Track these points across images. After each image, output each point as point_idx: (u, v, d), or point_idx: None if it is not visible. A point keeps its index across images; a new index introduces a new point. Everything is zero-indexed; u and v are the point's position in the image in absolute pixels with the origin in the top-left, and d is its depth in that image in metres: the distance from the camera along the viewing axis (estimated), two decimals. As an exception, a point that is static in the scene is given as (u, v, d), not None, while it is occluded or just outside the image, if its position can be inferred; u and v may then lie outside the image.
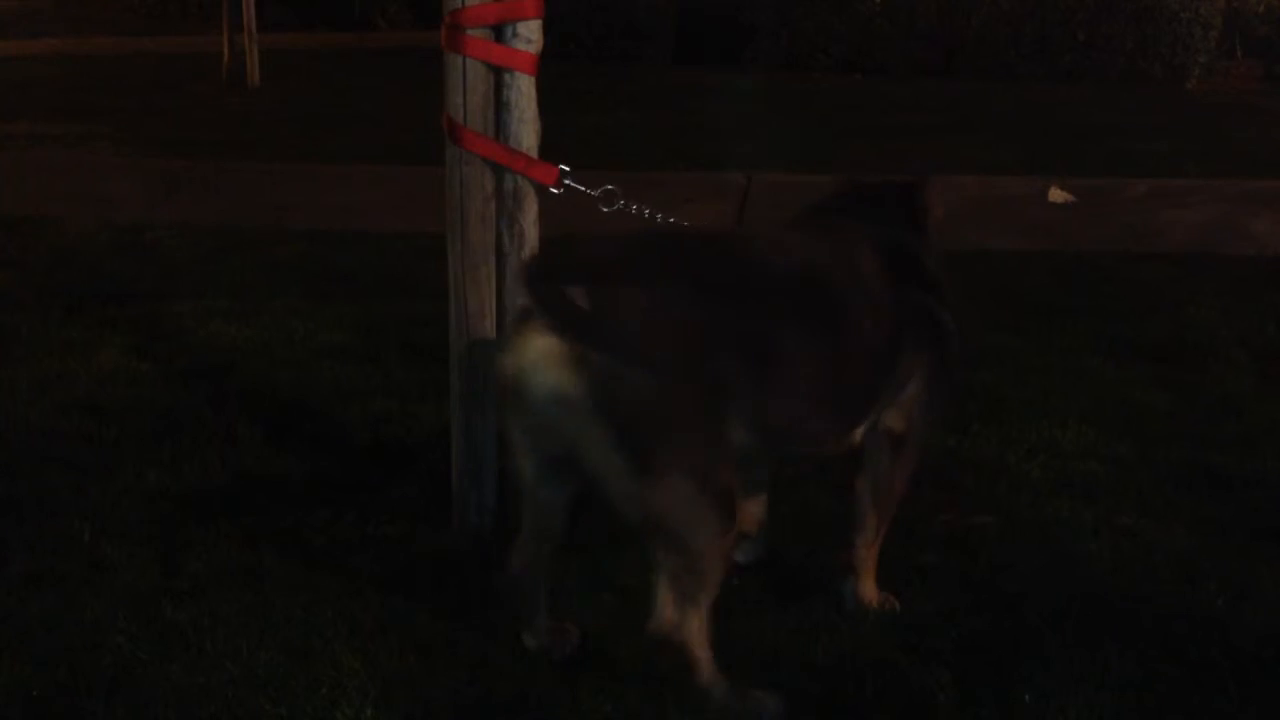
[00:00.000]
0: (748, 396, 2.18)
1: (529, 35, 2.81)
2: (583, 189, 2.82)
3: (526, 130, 2.85)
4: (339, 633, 2.53)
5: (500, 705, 2.31)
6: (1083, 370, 4.21)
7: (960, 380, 2.95)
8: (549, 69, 2.88)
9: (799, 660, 2.47)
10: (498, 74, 2.83)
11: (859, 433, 2.59)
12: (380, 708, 2.27)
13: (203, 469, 3.32)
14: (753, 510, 2.77)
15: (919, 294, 2.59)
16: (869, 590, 2.69)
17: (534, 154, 2.86)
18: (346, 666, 2.41)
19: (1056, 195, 6.91)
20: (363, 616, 2.58)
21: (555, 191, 2.82)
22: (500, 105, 2.85)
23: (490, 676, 2.41)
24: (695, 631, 2.17)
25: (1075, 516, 3.14)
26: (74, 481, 3.24)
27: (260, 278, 5.32)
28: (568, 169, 2.82)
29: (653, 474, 2.05)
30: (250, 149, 8.21)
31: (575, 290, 2.00)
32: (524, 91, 2.84)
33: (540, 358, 2.03)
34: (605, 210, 2.85)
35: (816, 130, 9.10)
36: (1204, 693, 2.37)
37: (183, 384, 4.00)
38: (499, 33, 2.81)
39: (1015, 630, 2.60)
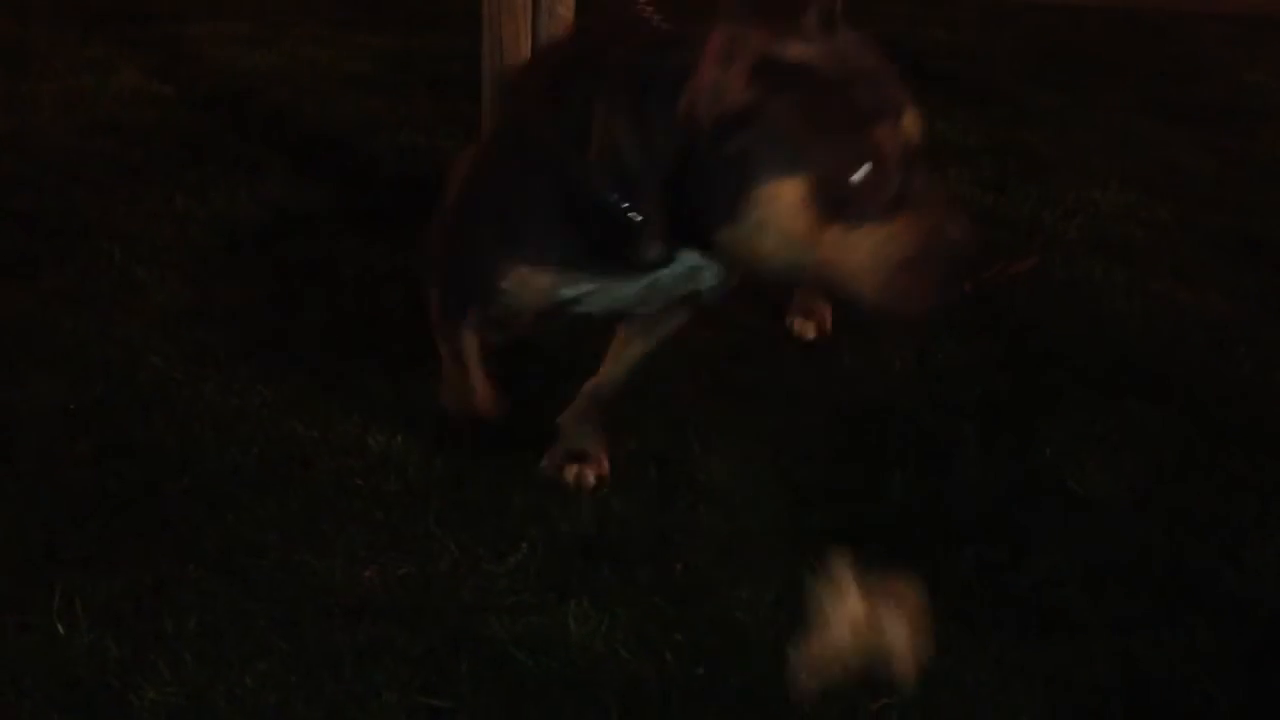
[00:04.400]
0: None
1: None
2: None
3: None
4: (369, 363, 2.55)
5: (527, 436, 2.35)
6: (1128, 131, 4.09)
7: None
8: None
9: (825, 408, 2.49)
10: None
11: None
12: (409, 434, 2.31)
13: (229, 197, 3.29)
14: None
15: None
16: None
17: None
18: (377, 395, 2.44)
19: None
20: (393, 347, 2.59)
21: None
22: None
23: (517, 408, 2.44)
24: None
25: (1108, 278, 3.11)
26: (101, 202, 3.22)
27: (280, 2, 5.14)
28: None
29: None
30: None
31: None
32: None
33: None
34: None
35: None
36: (1225, 454, 2.39)
37: (205, 109, 3.92)
38: None
39: (1040, 386, 2.61)
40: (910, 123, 1.64)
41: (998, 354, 2.73)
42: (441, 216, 2.13)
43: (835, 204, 1.60)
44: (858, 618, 1.61)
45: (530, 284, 1.93)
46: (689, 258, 1.85)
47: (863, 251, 1.63)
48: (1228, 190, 3.69)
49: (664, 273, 1.90)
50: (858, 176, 1.59)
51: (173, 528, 2.04)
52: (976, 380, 2.63)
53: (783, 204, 1.61)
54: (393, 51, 4.54)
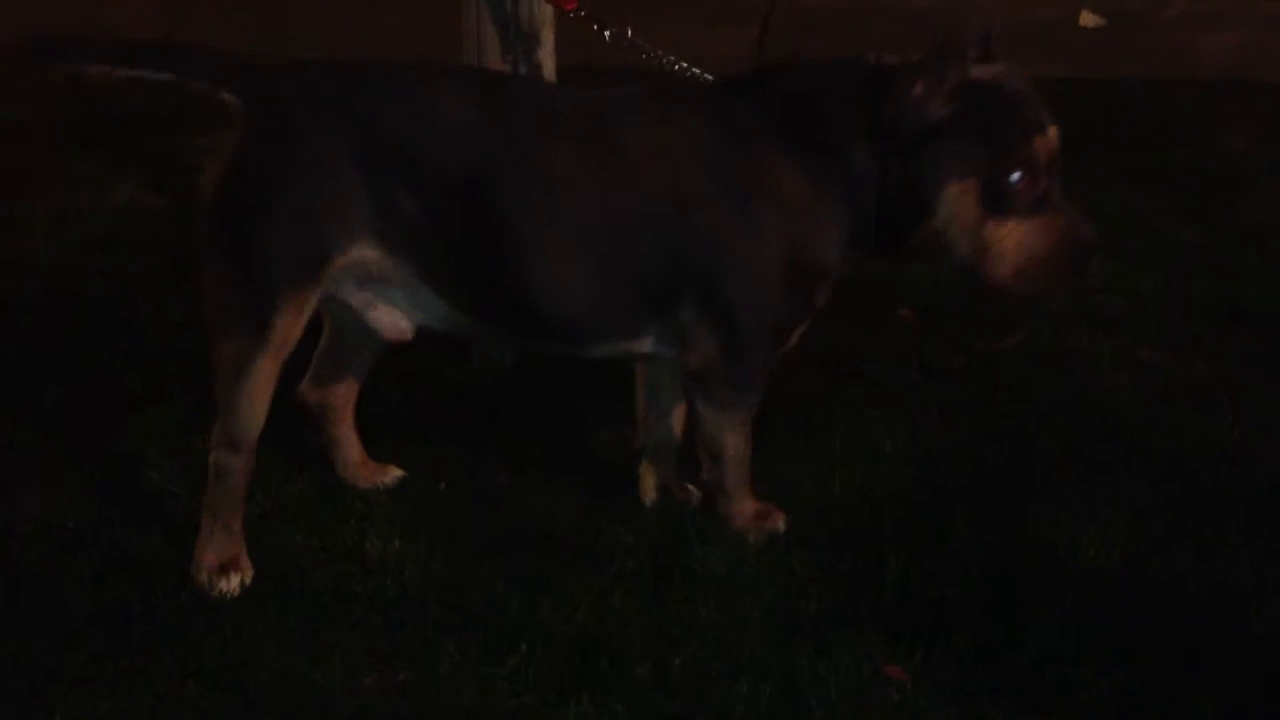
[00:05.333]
0: None
1: None
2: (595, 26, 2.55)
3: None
4: (365, 466, 2.57)
5: (523, 536, 2.36)
6: (1109, 200, 4.14)
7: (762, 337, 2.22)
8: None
9: (816, 493, 2.50)
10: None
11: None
12: (407, 538, 2.32)
13: (224, 305, 3.33)
14: None
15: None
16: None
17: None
18: (374, 499, 2.46)
19: (1088, 19, 6.71)
20: (389, 451, 2.61)
21: (572, 14, 2.69)
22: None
23: (514, 508, 2.46)
24: None
25: (1095, 348, 3.15)
26: (97, 317, 3.26)
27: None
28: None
29: None
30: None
31: None
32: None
33: None
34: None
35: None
36: (1215, 521, 2.40)
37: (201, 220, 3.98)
38: None
39: (1031, 461, 2.63)
40: (1055, 135, 2.03)
41: (987, 429, 2.76)
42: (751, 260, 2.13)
43: (995, 200, 2.00)
44: None
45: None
46: None
47: (1009, 242, 2.02)
48: (1209, 256, 3.74)
49: None
50: (1015, 179, 1.98)
51: (171, 644, 2.04)
52: (967, 457, 2.65)
53: (964, 201, 2.01)
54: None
